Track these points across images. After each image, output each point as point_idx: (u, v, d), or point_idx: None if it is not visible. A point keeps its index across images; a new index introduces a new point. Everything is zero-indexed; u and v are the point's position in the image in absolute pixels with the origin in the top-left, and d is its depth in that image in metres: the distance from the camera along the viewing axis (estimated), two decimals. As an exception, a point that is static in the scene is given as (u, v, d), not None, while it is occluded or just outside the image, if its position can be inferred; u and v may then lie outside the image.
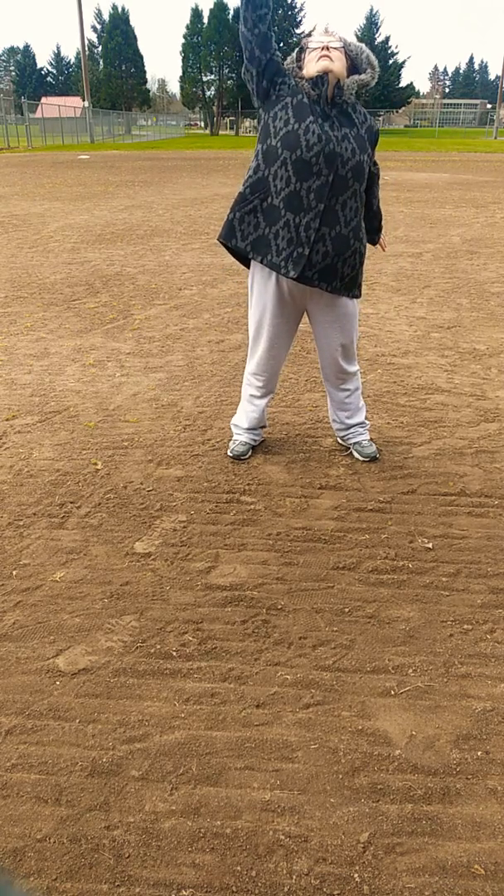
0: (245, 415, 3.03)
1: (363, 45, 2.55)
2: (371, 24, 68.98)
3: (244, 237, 2.59)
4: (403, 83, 67.56)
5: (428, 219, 10.10)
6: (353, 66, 2.52)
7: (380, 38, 66.93)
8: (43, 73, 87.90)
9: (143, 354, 4.39)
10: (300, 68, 2.53)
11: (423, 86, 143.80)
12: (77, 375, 4.03)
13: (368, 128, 2.56)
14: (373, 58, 2.54)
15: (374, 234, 2.87)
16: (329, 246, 2.51)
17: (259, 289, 2.71)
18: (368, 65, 2.52)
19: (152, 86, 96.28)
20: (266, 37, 2.42)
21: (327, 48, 2.44)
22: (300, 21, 66.85)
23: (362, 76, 2.50)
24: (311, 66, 2.46)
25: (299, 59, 2.53)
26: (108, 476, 2.88)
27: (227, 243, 2.65)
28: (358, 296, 2.72)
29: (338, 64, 2.44)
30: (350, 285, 2.65)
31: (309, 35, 2.60)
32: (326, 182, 2.44)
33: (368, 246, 2.94)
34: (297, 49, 2.57)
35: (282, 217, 2.50)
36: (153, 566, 2.31)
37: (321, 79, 2.43)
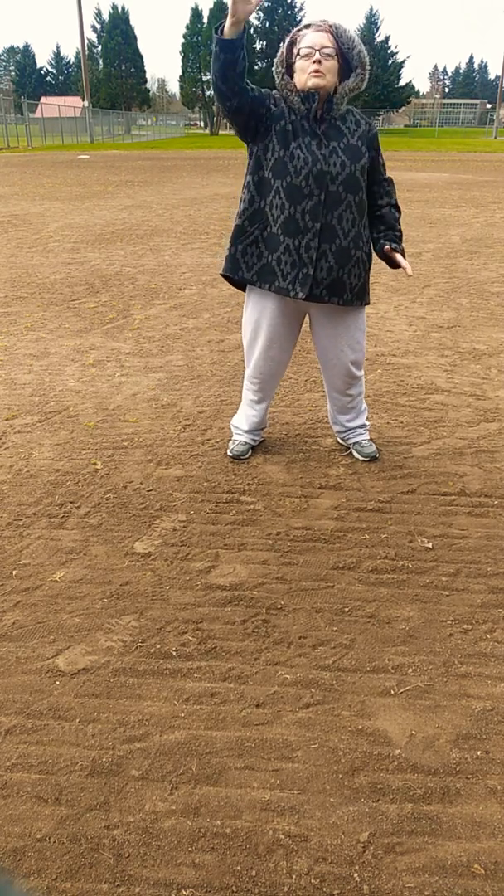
0: (245, 417, 3.03)
1: (356, 38, 2.43)
2: (371, 23, 68.94)
3: (249, 268, 2.61)
4: (403, 83, 67.53)
5: (428, 218, 10.10)
6: (346, 64, 2.43)
7: (380, 38, 66.82)
8: (43, 72, 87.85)
9: (142, 354, 4.39)
10: (290, 67, 2.43)
11: (423, 85, 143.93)
12: (77, 375, 4.03)
13: (362, 134, 2.50)
14: (364, 55, 2.43)
15: (384, 239, 2.61)
16: (332, 261, 2.51)
17: (256, 297, 2.71)
18: (359, 63, 2.42)
19: (152, 85, 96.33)
20: (243, 88, 2.34)
21: (319, 61, 2.34)
22: (300, 21, 66.79)
23: (351, 83, 2.42)
24: (302, 77, 2.39)
25: (290, 55, 2.43)
26: (108, 476, 2.88)
27: (234, 276, 2.65)
28: (368, 302, 2.71)
29: (329, 77, 2.37)
30: (361, 294, 2.64)
31: (303, 28, 2.46)
32: (319, 201, 2.45)
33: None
34: (287, 42, 2.45)
35: (281, 243, 2.52)
36: (153, 566, 2.31)
37: (311, 95, 2.39)
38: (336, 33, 2.40)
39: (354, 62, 2.43)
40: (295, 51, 2.43)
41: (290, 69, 2.46)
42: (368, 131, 2.53)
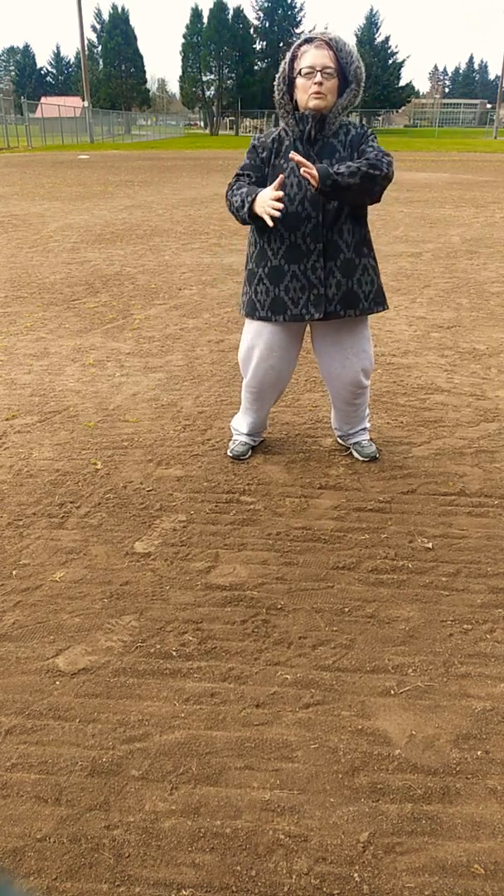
0: (245, 421, 3.03)
1: (354, 53, 2.45)
2: (371, 24, 68.90)
3: (262, 307, 2.63)
4: (403, 83, 67.53)
5: (428, 218, 10.10)
6: (344, 79, 2.45)
7: (380, 38, 66.84)
8: (42, 72, 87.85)
9: (142, 354, 4.39)
10: (290, 82, 2.46)
11: (423, 85, 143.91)
12: (77, 375, 4.03)
13: (352, 140, 2.47)
14: (361, 71, 2.45)
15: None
16: (339, 275, 2.52)
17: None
18: (355, 79, 2.44)
19: (152, 86, 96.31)
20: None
21: (321, 83, 2.36)
22: (300, 21, 66.87)
23: (344, 100, 2.44)
24: (303, 97, 2.41)
25: (291, 71, 2.45)
26: (108, 476, 2.88)
27: (252, 317, 2.69)
28: (386, 306, 2.69)
29: (329, 98, 2.40)
30: (377, 299, 2.63)
31: (303, 43, 2.46)
32: (318, 222, 2.46)
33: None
34: (290, 57, 2.47)
35: (287, 272, 2.54)
36: (153, 566, 2.31)
37: (305, 117, 2.42)
38: (336, 48, 2.42)
39: (350, 77, 2.45)
40: (296, 66, 2.44)
41: (290, 84, 2.48)
42: (360, 135, 2.50)
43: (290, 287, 2.55)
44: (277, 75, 2.50)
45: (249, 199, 2.40)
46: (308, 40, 2.45)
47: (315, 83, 2.37)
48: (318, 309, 2.54)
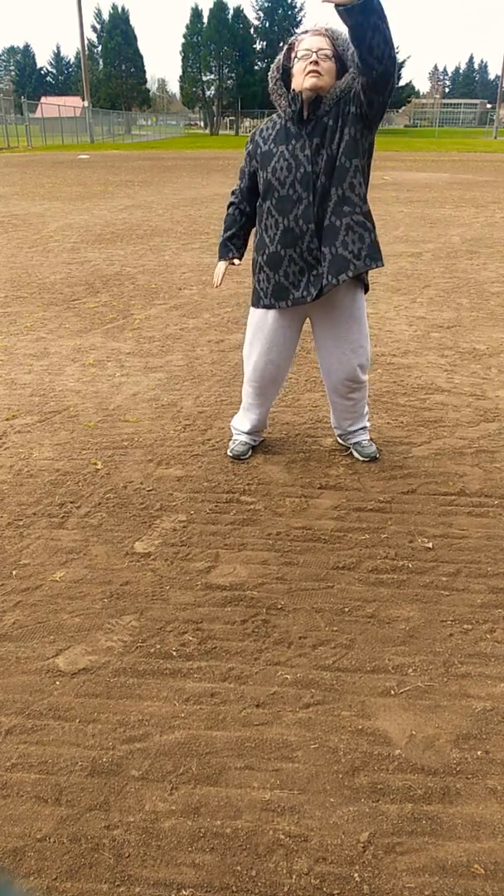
0: (245, 419, 3.03)
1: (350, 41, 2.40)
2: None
3: (266, 295, 2.66)
4: (403, 83, 67.52)
5: (428, 218, 10.10)
6: (342, 66, 2.43)
7: (379, 38, 66.68)
8: (43, 72, 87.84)
9: (142, 354, 4.39)
10: (287, 73, 2.47)
11: (423, 85, 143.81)
12: (77, 375, 4.03)
13: (343, 105, 2.39)
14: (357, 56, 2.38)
15: None
16: (325, 247, 2.50)
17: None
18: (352, 63, 2.39)
19: (152, 86, 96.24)
20: (250, 208, 2.74)
21: (317, 62, 2.35)
22: (300, 21, 66.86)
23: (343, 83, 2.41)
24: (299, 79, 2.40)
25: (288, 60, 2.46)
26: (108, 476, 2.88)
27: (257, 306, 2.73)
28: (380, 261, 2.55)
29: (326, 78, 2.38)
30: (371, 255, 2.51)
31: (301, 34, 2.49)
32: (309, 203, 2.46)
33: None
34: (286, 48, 2.49)
35: (284, 258, 2.55)
36: (153, 566, 2.31)
37: (296, 97, 2.40)
38: (332, 36, 2.42)
39: (349, 63, 2.43)
40: (293, 55, 2.45)
41: (286, 75, 2.48)
42: (347, 96, 2.40)
43: (289, 272, 2.56)
44: (273, 66, 2.51)
45: (218, 258, 2.83)
46: (304, 31, 2.48)
47: (311, 62, 2.36)
48: (316, 287, 2.54)
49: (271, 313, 2.70)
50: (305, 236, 2.49)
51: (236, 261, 2.79)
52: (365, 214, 2.51)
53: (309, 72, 2.36)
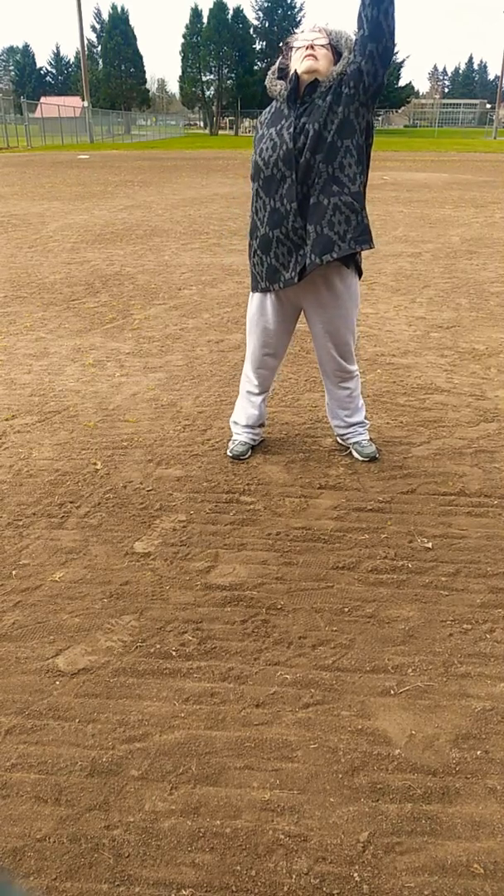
0: (243, 411, 3.03)
1: (343, 32, 2.51)
2: None
3: (262, 278, 2.68)
4: (403, 83, 67.49)
5: (427, 219, 10.10)
6: (337, 55, 2.48)
7: (379, 38, 66.65)
8: (42, 72, 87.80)
9: (142, 354, 4.39)
10: (283, 72, 2.53)
11: (423, 86, 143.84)
12: (76, 375, 4.03)
13: (337, 86, 2.39)
14: (351, 41, 2.45)
15: None
16: (310, 225, 2.48)
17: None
18: (346, 47, 2.45)
19: (152, 86, 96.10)
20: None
21: (312, 46, 2.42)
22: (300, 21, 66.84)
23: (339, 67, 2.43)
24: (297, 64, 2.46)
25: (284, 57, 2.53)
26: (108, 476, 2.88)
27: (255, 290, 2.75)
28: (369, 243, 2.54)
29: (323, 62, 2.43)
30: (358, 237, 2.50)
31: (295, 34, 2.59)
32: (292, 181, 2.45)
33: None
34: (284, 49, 2.55)
35: (272, 239, 2.57)
36: (153, 566, 2.31)
37: (293, 77, 2.43)
38: (327, 31, 2.50)
39: (342, 49, 2.47)
40: (290, 52, 2.52)
41: (283, 75, 2.54)
42: (342, 79, 2.40)
43: (278, 253, 2.58)
44: (270, 70, 2.58)
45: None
46: (299, 32, 2.56)
47: (307, 47, 2.42)
48: (298, 267, 2.55)
49: (267, 302, 2.74)
50: (290, 216, 2.49)
51: None
52: (354, 195, 2.46)
53: (306, 55, 2.42)
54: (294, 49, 2.49)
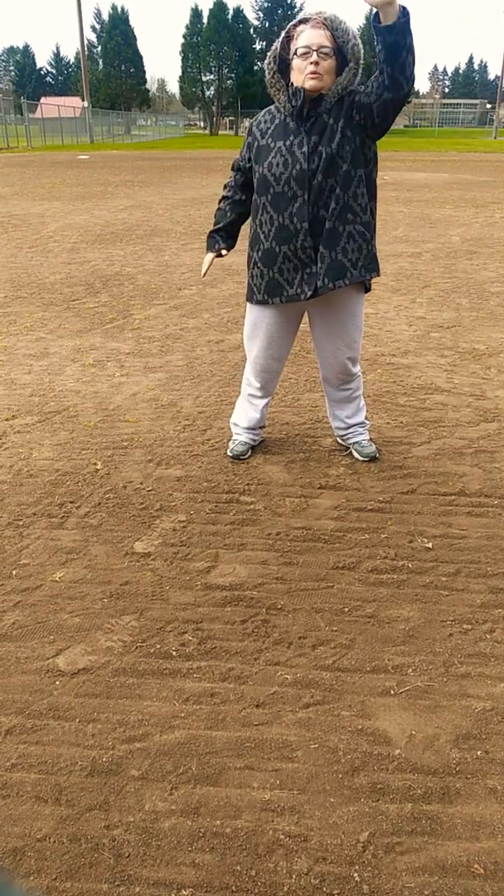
0: (244, 414, 3.03)
1: (350, 31, 2.39)
2: (371, 24, 68.74)
3: (259, 290, 2.66)
4: (403, 83, 67.36)
5: (427, 218, 10.10)
6: (342, 58, 2.40)
7: (379, 38, 66.66)
8: (42, 73, 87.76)
9: (142, 354, 4.39)
10: (283, 63, 2.43)
11: (423, 86, 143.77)
12: (77, 375, 4.03)
13: (347, 108, 2.38)
14: (358, 49, 2.38)
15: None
16: (323, 248, 2.50)
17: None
18: (353, 56, 2.37)
19: (152, 86, 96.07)
20: (246, 196, 2.72)
21: (317, 62, 2.32)
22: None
23: (344, 79, 2.38)
24: (299, 77, 2.37)
25: (286, 51, 2.42)
26: (108, 476, 2.88)
27: (251, 301, 2.74)
28: (377, 272, 2.61)
29: (326, 78, 2.36)
30: (368, 265, 2.56)
31: (299, 23, 2.42)
32: (304, 201, 2.45)
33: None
34: (283, 37, 2.43)
35: (278, 254, 2.55)
36: (153, 566, 2.31)
37: (298, 92, 2.37)
38: (332, 27, 2.38)
39: (348, 56, 2.39)
40: (292, 47, 2.40)
41: (283, 65, 2.44)
42: (353, 100, 2.39)
43: (283, 268, 2.57)
44: (269, 54, 2.46)
45: (207, 250, 2.80)
46: (303, 20, 2.41)
47: (311, 63, 2.33)
48: (311, 287, 2.54)
49: (268, 308, 2.71)
50: (300, 234, 2.49)
51: (224, 251, 2.77)
52: (365, 224, 2.54)
53: (309, 73, 2.34)
54: (297, 52, 2.36)
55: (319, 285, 2.53)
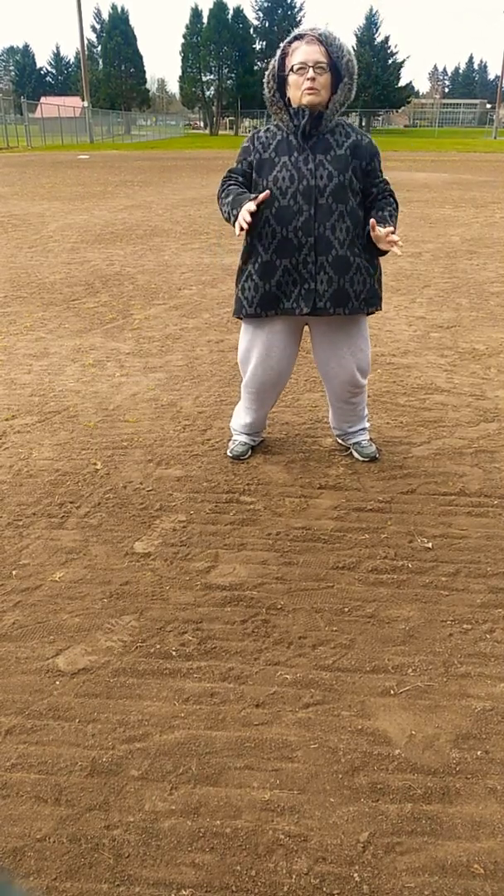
0: (244, 419, 3.02)
1: (345, 48, 2.42)
2: (371, 23, 68.80)
3: (250, 304, 2.62)
4: (403, 83, 67.48)
5: (427, 218, 10.10)
6: (337, 74, 2.43)
7: (379, 38, 66.70)
8: (42, 72, 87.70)
9: (142, 354, 4.39)
10: (281, 80, 2.45)
11: (423, 86, 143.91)
12: (77, 375, 4.03)
13: (353, 145, 2.47)
14: (353, 65, 2.42)
15: (375, 216, 2.50)
16: (331, 272, 2.50)
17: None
18: (347, 72, 2.41)
19: (152, 86, 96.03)
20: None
21: (314, 78, 2.35)
22: (300, 21, 66.83)
23: (339, 96, 2.43)
24: (297, 93, 2.40)
25: (282, 69, 2.45)
26: (108, 476, 2.88)
27: (239, 316, 2.70)
28: (379, 307, 2.67)
29: (323, 93, 2.39)
30: (369, 300, 2.61)
31: (293, 40, 2.44)
32: (310, 216, 2.45)
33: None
34: (280, 55, 2.45)
35: (278, 267, 2.53)
36: (153, 566, 2.31)
37: (301, 111, 2.40)
38: (326, 43, 2.40)
39: (343, 72, 2.42)
40: (287, 63, 2.43)
41: (281, 82, 2.47)
42: (360, 141, 2.50)
43: (281, 282, 2.55)
44: (267, 73, 2.49)
45: (235, 212, 2.41)
46: (298, 37, 2.43)
47: (308, 79, 2.36)
48: (308, 304, 2.53)
49: (266, 322, 2.67)
50: (303, 249, 2.48)
51: (261, 197, 2.37)
52: (369, 261, 2.59)
53: (306, 89, 2.37)
54: (293, 68, 2.38)
55: (320, 305, 2.53)
